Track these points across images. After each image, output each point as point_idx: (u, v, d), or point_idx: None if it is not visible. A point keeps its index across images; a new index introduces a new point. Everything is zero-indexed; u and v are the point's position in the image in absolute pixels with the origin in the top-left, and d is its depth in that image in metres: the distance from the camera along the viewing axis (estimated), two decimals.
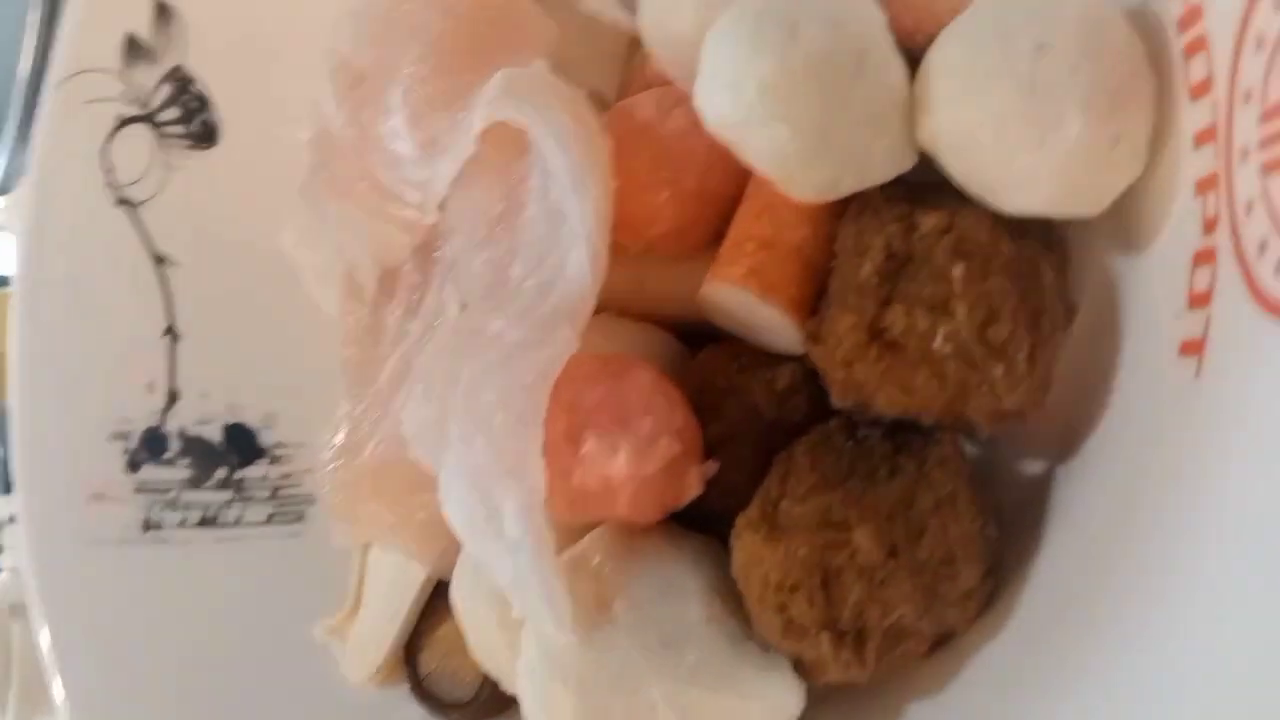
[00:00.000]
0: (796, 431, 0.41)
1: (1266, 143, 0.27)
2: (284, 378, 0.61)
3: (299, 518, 0.60)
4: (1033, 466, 0.40)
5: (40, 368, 0.58)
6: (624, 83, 0.52)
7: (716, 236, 0.45)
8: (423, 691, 0.52)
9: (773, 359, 0.42)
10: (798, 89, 0.34)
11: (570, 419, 0.39)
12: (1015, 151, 0.33)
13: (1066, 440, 0.38)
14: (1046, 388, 0.36)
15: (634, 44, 0.51)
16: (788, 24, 0.33)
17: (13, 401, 0.58)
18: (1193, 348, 0.31)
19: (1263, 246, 0.27)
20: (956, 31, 0.34)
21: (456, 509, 0.40)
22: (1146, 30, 0.33)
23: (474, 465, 0.39)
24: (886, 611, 0.35)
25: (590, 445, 0.39)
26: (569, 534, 0.42)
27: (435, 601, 0.52)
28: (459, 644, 0.48)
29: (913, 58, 0.39)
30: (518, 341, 0.40)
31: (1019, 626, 0.36)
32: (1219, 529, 0.28)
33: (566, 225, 0.41)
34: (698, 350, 0.46)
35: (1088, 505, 0.36)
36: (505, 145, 0.43)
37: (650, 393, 0.39)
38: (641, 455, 0.38)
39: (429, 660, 0.52)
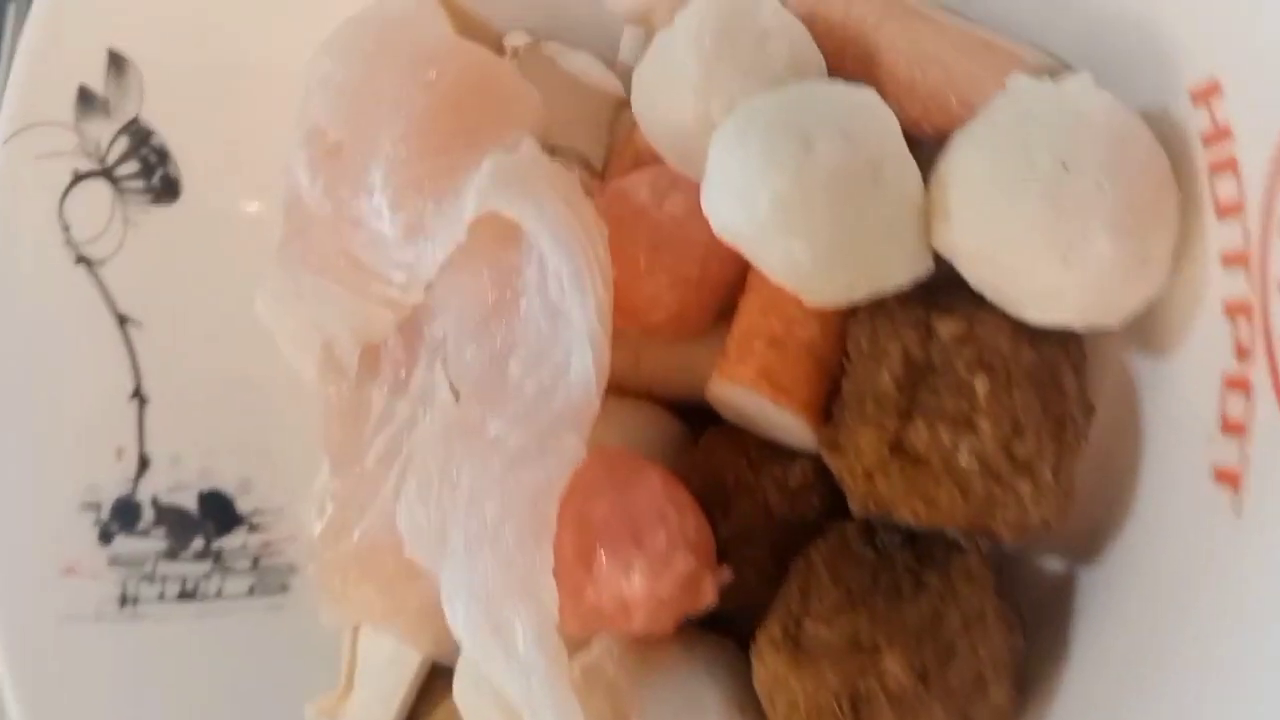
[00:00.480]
0: (811, 529, 0.40)
1: None
2: (259, 441, 0.59)
3: (283, 588, 0.58)
4: (1054, 564, 0.39)
5: (3, 434, 0.55)
6: (611, 146, 0.50)
7: (717, 319, 0.43)
8: None
9: (782, 453, 0.41)
10: (813, 204, 0.32)
11: (580, 535, 0.38)
12: (1038, 269, 0.32)
13: (1088, 541, 0.38)
14: (1071, 497, 0.35)
15: (620, 106, 0.50)
16: (801, 136, 0.32)
17: None
18: (1229, 479, 0.30)
19: None
20: (974, 139, 0.33)
21: (463, 624, 0.39)
22: (1169, 139, 0.32)
23: (480, 581, 0.38)
24: None
25: (603, 563, 0.37)
26: (575, 640, 0.41)
27: (431, 683, 0.51)
28: None
29: (918, 143, 0.38)
30: (521, 449, 0.38)
31: None
32: (1253, 675, 0.28)
33: (568, 325, 0.39)
34: (696, 427, 0.45)
35: (1117, 617, 0.35)
36: (497, 232, 0.41)
37: (661, 501, 0.38)
38: (657, 574, 0.37)
39: None
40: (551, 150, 0.50)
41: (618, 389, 0.46)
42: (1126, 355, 0.37)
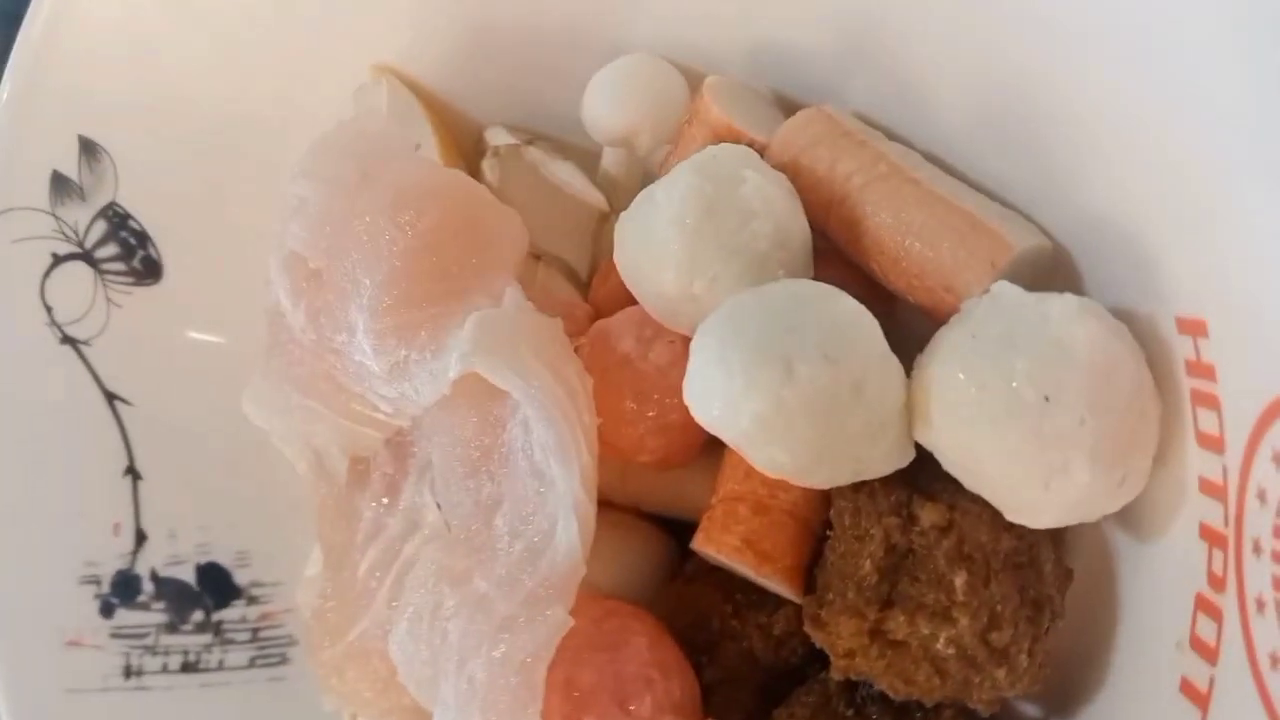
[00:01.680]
0: (794, 673, 0.41)
1: None
2: (254, 515, 0.59)
3: (282, 659, 0.59)
4: (1031, 711, 0.41)
5: (1, 510, 0.56)
6: (594, 257, 0.49)
7: (702, 452, 0.44)
8: None
9: (768, 599, 0.42)
10: (794, 423, 0.32)
11: (567, 701, 0.39)
12: (1020, 489, 0.32)
13: (1063, 697, 0.39)
14: (1045, 669, 0.36)
15: (603, 218, 0.49)
16: (782, 361, 0.32)
17: None
18: (1195, 697, 0.31)
19: (1275, 661, 0.27)
20: (956, 352, 0.33)
21: None
22: (1152, 348, 0.32)
23: None
24: None
25: None
26: None
27: None
28: None
29: (901, 303, 0.38)
30: (509, 616, 0.39)
31: None
32: None
33: (553, 491, 0.39)
34: (683, 535, 0.46)
35: None
36: (481, 383, 0.41)
37: (647, 665, 0.39)
38: None
39: None
40: (536, 257, 0.50)
41: (605, 502, 0.46)
42: (1106, 527, 0.37)
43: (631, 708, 0.38)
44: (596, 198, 0.48)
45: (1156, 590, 0.35)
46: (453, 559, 0.42)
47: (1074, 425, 0.31)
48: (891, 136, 0.40)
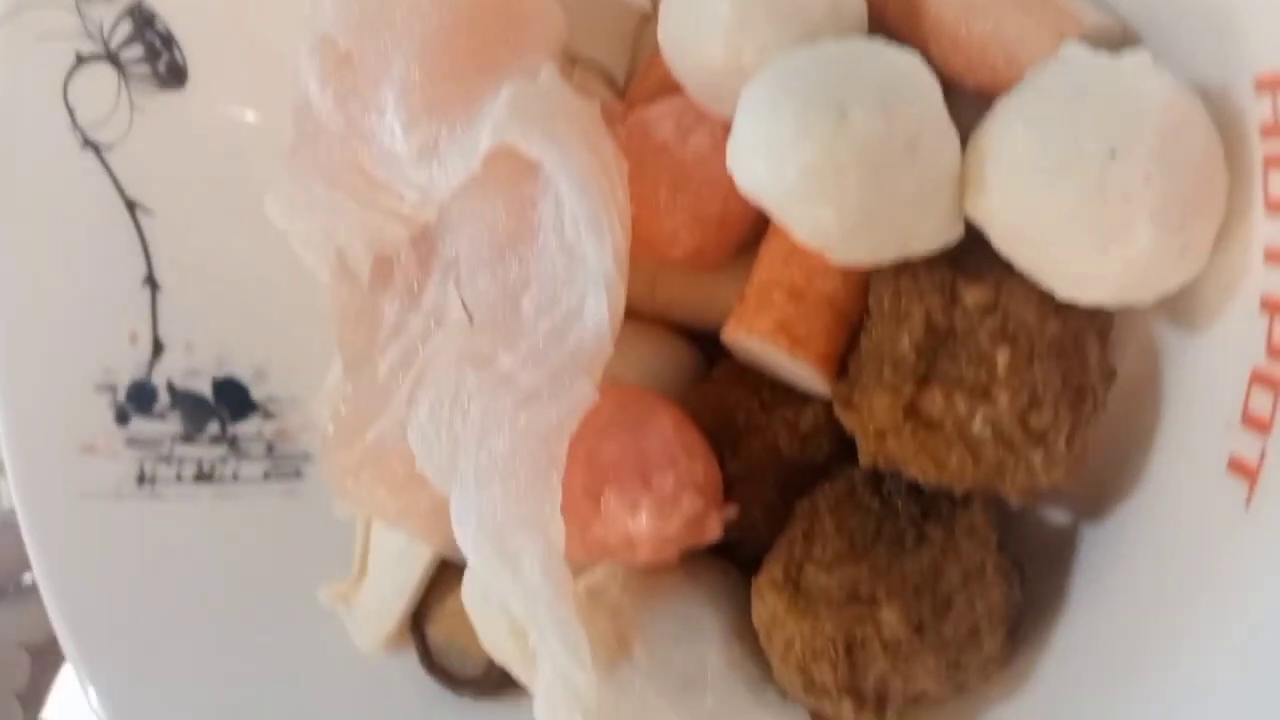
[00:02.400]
0: (819, 471, 0.40)
1: None
2: (273, 330, 0.59)
3: (296, 474, 0.59)
4: (1059, 516, 0.40)
5: (18, 318, 0.56)
6: (635, 61, 0.48)
7: (738, 254, 0.43)
8: (432, 664, 0.53)
9: (794, 395, 0.41)
10: (844, 175, 0.31)
11: (589, 473, 0.38)
12: (1075, 254, 0.31)
13: (1097, 498, 0.38)
14: (1083, 462, 0.35)
15: (645, 20, 0.47)
16: (836, 106, 0.30)
17: None
18: (1243, 471, 0.30)
19: None
20: (1020, 110, 0.32)
21: (472, 548, 0.40)
22: (1227, 122, 0.31)
23: (489, 511, 0.39)
24: (909, 682, 0.36)
25: (610, 502, 0.38)
26: (582, 564, 0.42)
27: (443, 572, 0.53)
28: (468, 620, 0.49)
29: (960, 95, 0.36)
30: (532, 389, 0.38)
31: (1036, 685, 0.37)
32: (1245, 657, 0.28)
33: (583, 267, 0.38)
34: (711, 352, 0.45)
35: (1117, 579, 0.36)
36: (513, 162, 0.40)
37: (671, 443, 0.38)
38: (663, 513, 0.37)
39: (438, 632, 0.53)
40: (572, 60, 0.48)
41: (633, 313, 0.45)
42: (1155, 324, 0.36)
43: (653, 481, 0.37)
44: None
45: (1205, 378, 0.34)
46: (477, 343, 0.41)
47: (1140, 182, 0.30)
48: None
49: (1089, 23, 0.34)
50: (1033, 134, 0.31)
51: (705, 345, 0.46)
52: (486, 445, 0.39)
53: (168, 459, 0.58)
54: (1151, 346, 0.36)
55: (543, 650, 0.40)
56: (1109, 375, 0.36)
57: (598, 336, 0.38)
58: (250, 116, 0.57)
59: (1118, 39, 0.35)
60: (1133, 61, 0.30)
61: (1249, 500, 0.30)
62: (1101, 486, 0.38)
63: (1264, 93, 0.29)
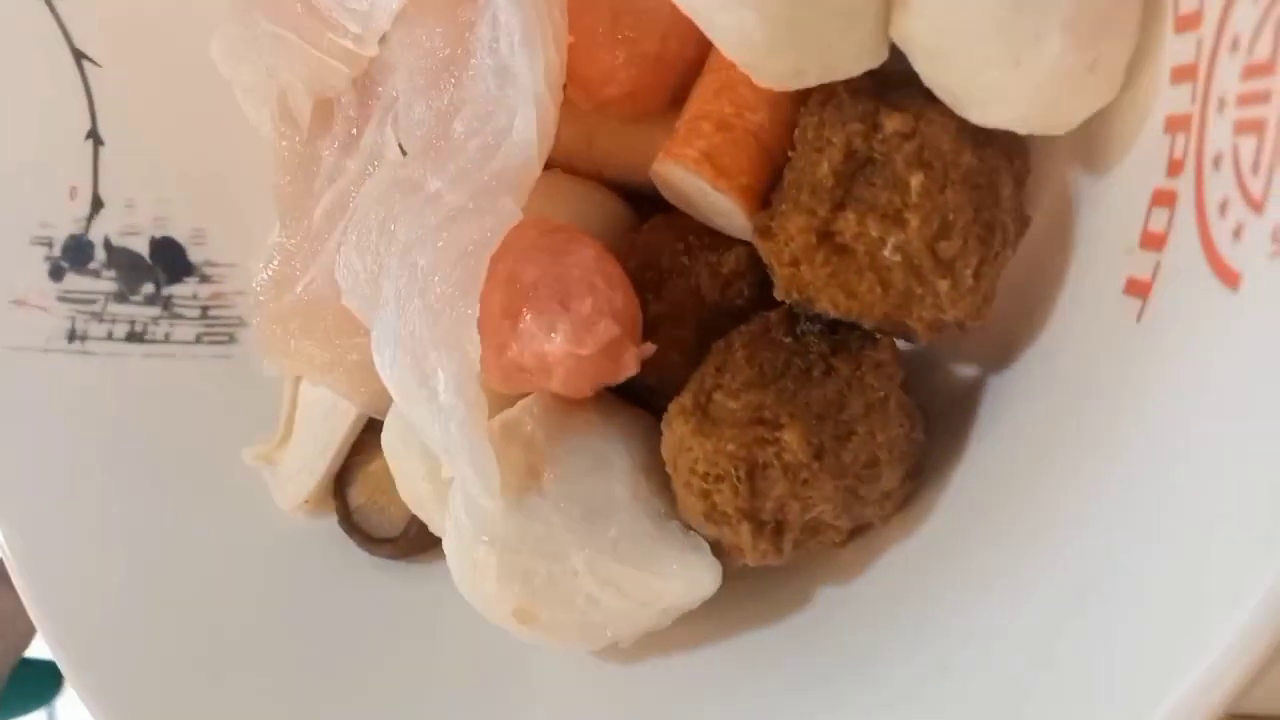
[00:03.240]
0: (738, 316, 0.41)
1: (1245, 100, 0.26)
2: (215, 194, 0.59)
3: (230, 339, 0.59)
4: (966, 369, 0.41)
5: None
6: None
7: (673, 101, 0.43)
8: (351, 525, 0.53)
9: (720, 241, 0.41)
10: None
11: (509, 294, 0.38)
12: (989, 65, 0.32)
13: (1002, 349, 0.39)
14: (989, 301, 0.36)
15: None
16: None
17: None
18: (1138, 288, 0.31)
19: (1223, 207, 0.27)
20: None
21: (389, 370, 0.40)
22: None
23: (409, 330, 0.39)
24: (807, 508, 0.36)
25: (528, 322, 0.38)
26: (500, 399, 0.42)
27: (367, 436, 0.53)
28: (389, 482, 0.49)
29: None
30: (457, 207, 0.39)
31: (933, 526, 0.38)
32: (1143, 471, 0.29)
33: (515, 85, 0.38)
34: (644, 212, 0.45)
35: (1015, 420, 0.37)
36: None
37: (592, 271, 0.39)
38: (579, 336, 0.37)
39: (359, 494, 0.53)
40: None
41: (569, 168, 0.46)
42: (1069, 172, 0.37)
43: (571, 305, 0.38)
44: None
45: (1112, 213, 0.34)
46: (408, 171, 0.41)
47: None
48: None
49: None
50: None
51: (641, 208, 0.46)
52: (409, 262, 0.39)
53: (100, 316, 0.58)
54: (1065, 195, 0.37)
55: (454, 476, 0.40)
56: (1021, 219, 0.36)
57: (525, 154, 0.38)
58: None
59: None
60: None
61: (1140, 314, 0.30)
62: (1009, 337, 0.38)
63: None
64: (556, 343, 0.38)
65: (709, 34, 0.35)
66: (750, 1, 0.32)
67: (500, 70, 0.39)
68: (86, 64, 0.57)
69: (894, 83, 0.36)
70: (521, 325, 0.38)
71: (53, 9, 0.57)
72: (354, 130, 0.48)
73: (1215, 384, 0.26)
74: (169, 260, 0.59)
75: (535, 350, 0.38)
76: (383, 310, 0.40)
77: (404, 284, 0.39)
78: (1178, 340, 0.28)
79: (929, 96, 0.35)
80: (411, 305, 0.39)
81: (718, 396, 0.37)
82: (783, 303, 0.39)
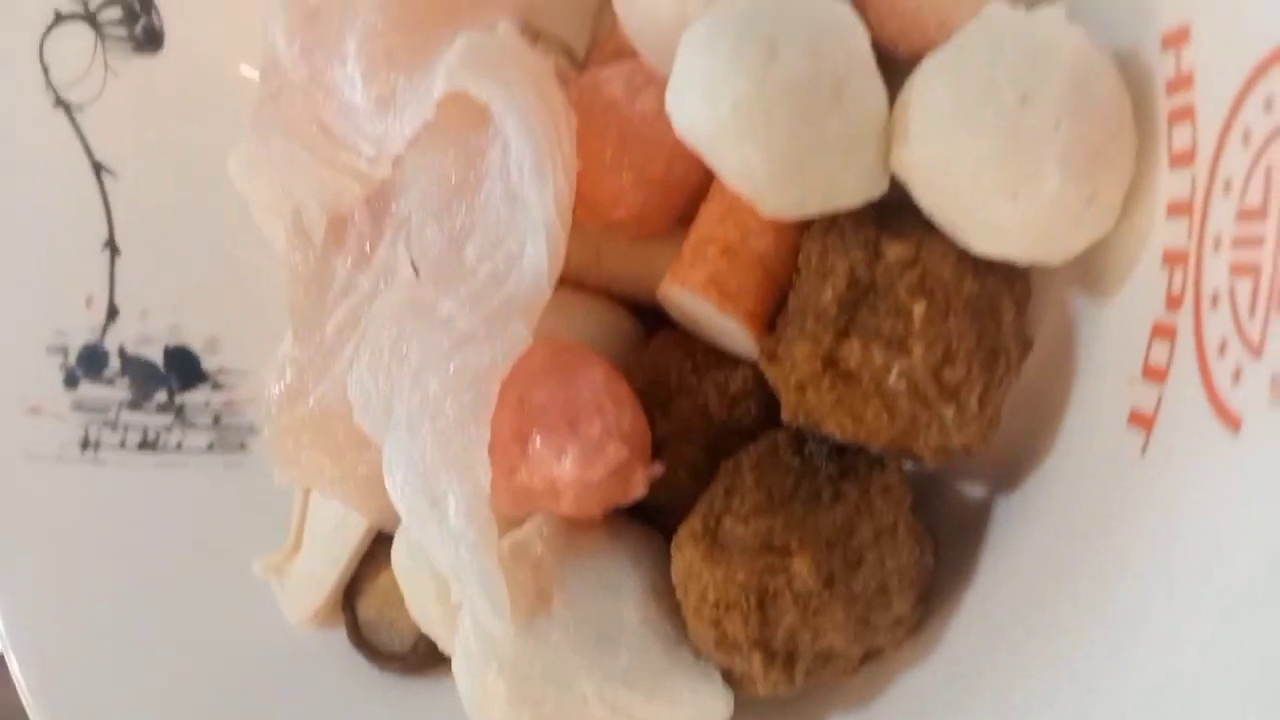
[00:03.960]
0: (746, 434, 0.41)
1: (1240, 243, 0.27)
2: (228, 301, 0.60)
3: (241, 447, 0.59)
4: (974, 489, 0.41)
5: None
6: (594, 37, 0.49)
7: (679, 222, 0.44)
8: (360, 639, 0.52)
9: (726, 360, 0.42)
10: (772, 113, 0.32)
11: (518, 417, 0.38)
12: (989, 199, 0.32)
13: (1010, 471, 0.39)
14: (995, 426, 0.36)
15: None
16: (767, 43, 0.32)
17: None
18: (1142, 421, 0.31)
19: (1222, 347, 0.27)
20: (942, 63, 0.33)
21: (400, 493, 0.40)
22: (1135, 83, 0.32)
23: (420, 453, 0.39)
24: (818, 637, 0.36)
25: (537, 446, 0.38)
26: (510, 518, 0.42)
27: (377, 549, 0.53)
28: (398, 596, 0.49)
29: (894, 64, 0.38)
30: (469, 331, 0.39)
31: (946, 652, 0.37)
32: (1146, 604, 0.29)
33: (526, 212, 0.39)
34: (653, 326, 0.46)
35: (1024, 545, 0.37)
36: (465, 112, 0.41)
37: (600, 393, 0.39)
38: (588, 460, 0.38)
39: (368, 608, 0.53)
40: (534, 35, 0.49)
41: (577, 283, 0.46)
42: (1069, 296, 0.37)
43: (580, 428, 0.38)
44: None
45: (1113, 342, 0.34)
46: (420, 292, 0.42)
47: (1049, 127, 0.31)
48: None
49: None
50: (951, 83, 0.32)
51: (648, 321, 0.47)
52: (420, 386, 0.39)
53: (113, 425, 0.58)
54: (1066, 318, 0.37)
55: (463, 600, 0.40)
56: (1024, 343, 0.37)
57: (535, 280, 0.39)
58: (222, 84, 0.58)
59: (1044, 3, 0.37)
60: (1047, 14, 0.32)
61: (1144, 448, 0.30)
62: (1015, 458, 0.38)
63: (1169, 48, 0.31)
64: (566, 466, 0.38)
65: (713, 168, 0.35)
66: (753, 138, 0.33)
67: (511, 196, 0.40)
68: (105, 175, 0.59)
69: (894, 209, 0.37)
70: (531, 449, 0.38)
71: (73, 121, 0.58)
72: (367, 246, 0.49)
73: (1216, 529, 0.26)
74: (182, 368, 0.60)
75: (545, 474, 0.38)
76: (394, 431, 0.41)
77: (415, 407, 0.39)
78: (1180, 480, 0.28)
79: (929, 224, 0.36)
80: (422, 429, 0.39)
81: (727, 521, 0.37)
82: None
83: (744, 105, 0.32)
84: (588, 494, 0.39)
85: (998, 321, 0.35)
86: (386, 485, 0.41)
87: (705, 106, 0.33)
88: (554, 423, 0.38)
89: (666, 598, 0.40)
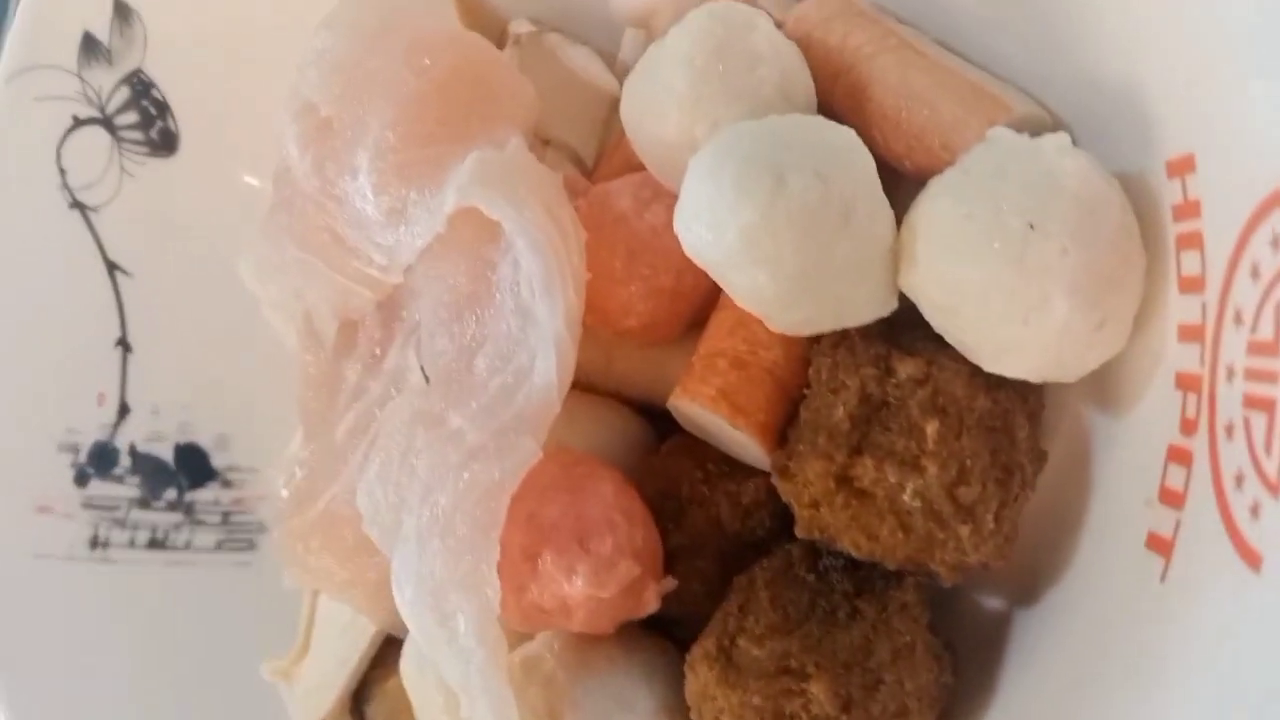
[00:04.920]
0: (759, 546, 0.40)
1: (1252, 375, 0.27)
2: (238, 399, 0.59)
3: (250, 545, 0.59)
4: (992, 600, 0.40)
5: None
6: (604, 144, 0.50)
7: (689, 328, 0.44)
8: None
9: (738, 469, 0.41)
10: (780, 239, 0.32)
11: (528, 534, 0.38)
12: (999, 324, 0.32)
13: (1028, 582, 0.38)
14: (1012, 541, 0.36)
15: (615, 105, 0.50)
16: (774, 172, 0.32)
17: None
18: (1160, 546, 0.31)
19: (1239, 480, 0.27)
20: (949, 188, 0.33)
21: (409, 609, 0.40)
22: (1141, 206, 0.32)
23: (429, 570, 0.39)
24: None
25: (548, 564, 0.38)
26: (520, 633, 0.42)
27: (386, 652, 0.52)
28: (408, 701, 0.48)
29: (900, 179, 0.38)
30: (478, 445, 0.39)
31: None
32: None
33: (536, 327, 0.39)
34: (664, 429, 0.46)
35: (1045, 661, 0.36)
36: (477, 225, 0.42)
37: (611, 508, 0.39)
38: (600, 579, 0.37)
39: (377, 712, 0.52)
40: (544, 143, 0.50)
41: (588, 387, 0.46)
42: (1083, 408, 0.37)
43: (591, 546, 0.38)
44: (610, 82, 0.49)
45: (1129, 459, 0.34)
46: (429, 403, 0.42)
47: (1056, 255, 0.31)
48: (902, 22, 0.41)
49: (1019, 111, 0.36)
50: (958, 209, 0.32)
51: (659, 424, 0.46)
52: (430, 501, 0.39)
53: (122, 523, 0.58)
54: (1081, 431, 0.37)
55: (471, 716, 0.40)
56: (1038, 456, 0.36)
57: (545, 395, 0.39)
58: (234, 188, 0.58)
59: (1046, 128, 0.37)
60: (1052, 141, 0.32)
61: (1164, 575, 0.30)
62: (1034, 571, 0.38)
63: (1175, 176, 0.31)
64: (578, 585, 0.37)
65: (723, 287, 0.36)
66: (761, 262, 0.33)
67: (521, 311, 0.40)
68: (119, 274, 0.59)
69: (904, 323, 0.37)
70: (541, 567, 0.38)
71: (88, 222, 0.59)
72: (377, 351, 0.49)
73: (1236, 663, 0.25)
74: (192, 466, 0.60)
75: (555, 592, 0.38)
76: (403, 545, 0.40)
77: (425, 523, 0.39)
78: (1200, 613, 0.28)
79: (940, 339, 0.36)
80: (432, 546, 0.39)
81: (742, 642, 0.36)
82: None
83: (751, 233, 0.32)
84: (600, 611, 0.38)
85: (1011, 437, 0.35)
86: (395, 600, 0.41)
87: (712, 232, 0.33)
88: (564, 540, 0.38)
89: (681, 713, 0.39)
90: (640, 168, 0.43)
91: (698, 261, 0.35)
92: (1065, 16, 0.35)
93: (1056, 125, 0.37)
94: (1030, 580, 0.38)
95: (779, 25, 0.41)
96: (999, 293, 0.32)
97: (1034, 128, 0.36)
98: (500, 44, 0.53)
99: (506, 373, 0.40)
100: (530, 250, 0.39)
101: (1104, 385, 0.35)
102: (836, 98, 0.39)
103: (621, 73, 0.50)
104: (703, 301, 0.43)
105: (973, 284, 0.32)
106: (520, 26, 0.52)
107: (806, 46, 0.40)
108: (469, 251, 0.42)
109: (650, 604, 0.39)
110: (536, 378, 0.39)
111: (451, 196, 0.40)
